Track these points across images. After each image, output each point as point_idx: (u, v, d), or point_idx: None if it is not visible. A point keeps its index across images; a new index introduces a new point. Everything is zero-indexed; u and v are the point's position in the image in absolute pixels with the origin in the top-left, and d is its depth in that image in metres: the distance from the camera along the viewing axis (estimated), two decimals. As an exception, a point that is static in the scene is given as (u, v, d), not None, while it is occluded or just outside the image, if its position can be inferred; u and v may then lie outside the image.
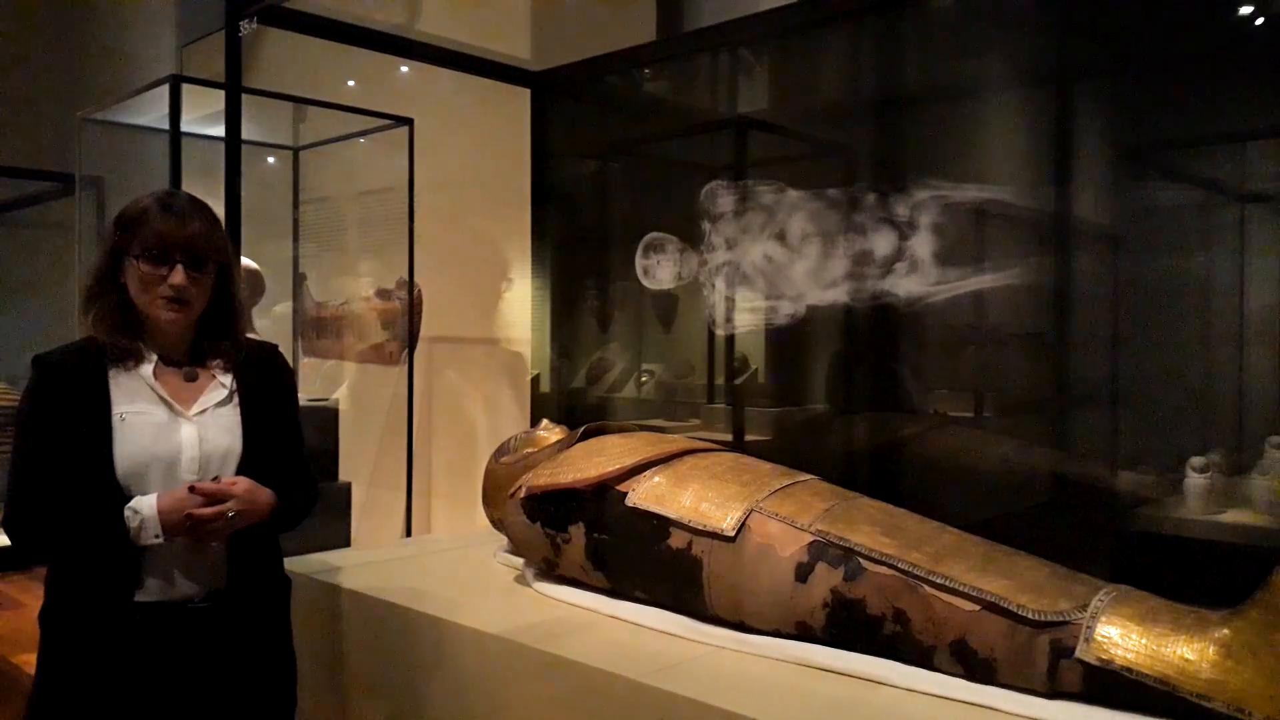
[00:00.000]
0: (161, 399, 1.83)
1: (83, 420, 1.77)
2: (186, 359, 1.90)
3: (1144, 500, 2.26)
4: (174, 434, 1.82)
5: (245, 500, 1.80)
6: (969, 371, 2.61)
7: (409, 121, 4.03)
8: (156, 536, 1.73)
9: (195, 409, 1.86)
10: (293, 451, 2.00)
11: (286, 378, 2.06)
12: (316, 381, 4.34)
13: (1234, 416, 2.29)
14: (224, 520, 1.77)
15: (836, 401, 2.83)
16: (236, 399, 1.91)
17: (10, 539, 1.79)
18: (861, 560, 1.86)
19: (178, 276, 1.79)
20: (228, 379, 1.92)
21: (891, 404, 2.66)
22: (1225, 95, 2.17)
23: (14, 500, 1.77)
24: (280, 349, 2.10)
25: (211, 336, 1.92)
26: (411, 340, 4.04)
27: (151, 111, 3.86)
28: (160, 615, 1.79)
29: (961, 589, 1.74)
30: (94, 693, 1.77)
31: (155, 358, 1.86)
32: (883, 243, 2.50)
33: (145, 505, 1.73)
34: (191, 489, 1.76)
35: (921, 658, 1.78)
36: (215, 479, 1.80)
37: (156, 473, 1.79)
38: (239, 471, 1.86)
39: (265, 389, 1.97)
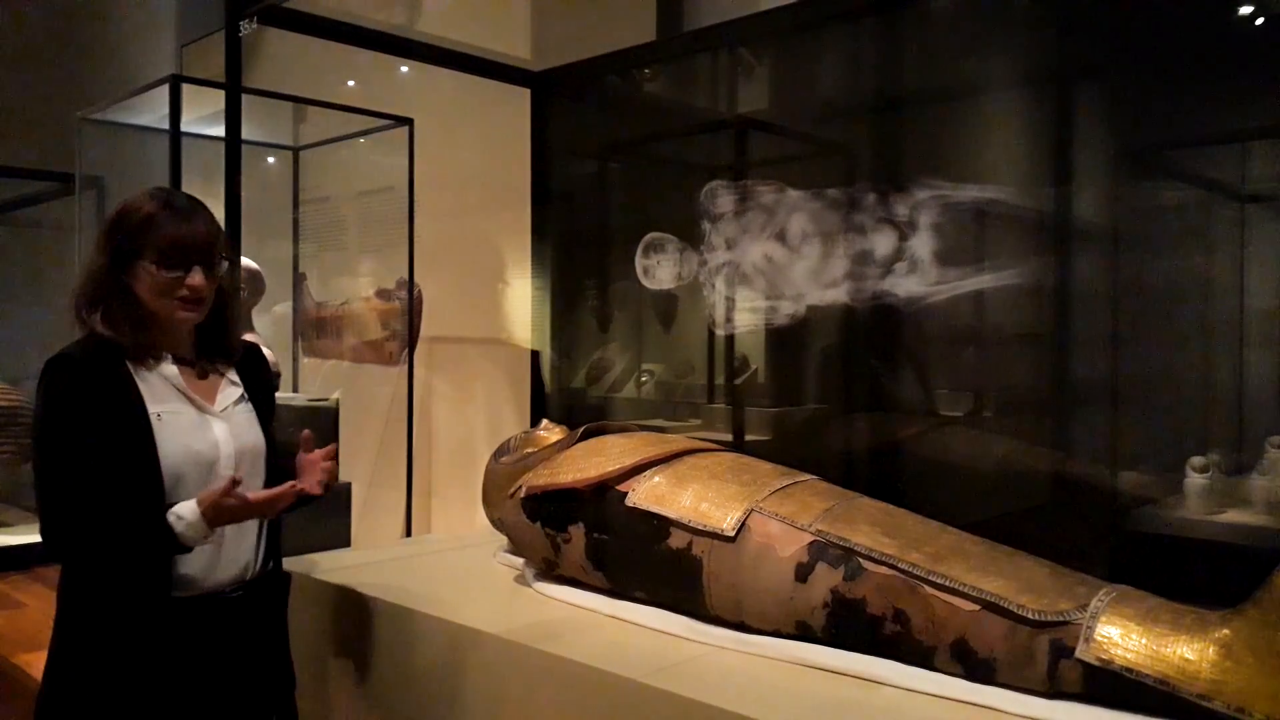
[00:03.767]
0: (188, 398, 1.84)
1: (117, 420, 1.74)
2: (195, 357, 1.91)
3: (1144, 500, 2.26)
4: (208, 432, 1.83)
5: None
6: (969, 371, 2.61)
7: (409, 121, 4.03)
8: (206, 538, 1.72)
9: (219, 406, 1.88)
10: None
11: (267, 375, 2.09)
12: (316, 381, 4.35)
13: (1234, 416, 2.29)
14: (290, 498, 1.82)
15: (836, 401, 2.83)
16: (247, 397, 1.95)
17: (49, 547, 1.73)
18: (861, 560, 1.86)
19: (196, 278, 1.79)
20: (235, 377, 1.95)
21: (891, 404, 2.66)
22: (1225, 95, 2.17)
23: (51, 509, 1.71)
24: (270, 348, 2.13)
25: (211, 333, 1.92)
26: (411, 340, 4.04)
27: (151, 111, 3.87)
28: (193, 608, 1.80)
29: (961, 589, 1.74)
30: (113, 686, 1.76)
31: (170, 356, 1.86)
32: (883, 243, 2.50)
33: (187, 510, 1.70)
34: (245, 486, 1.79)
35: (921, 658, 1.78)
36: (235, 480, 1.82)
37: (197, 471, 1.79)
38: (267, 465, 1.92)
39: (258, 387, 2.00)
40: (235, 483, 1.71)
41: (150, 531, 1.71)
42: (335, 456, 1.93)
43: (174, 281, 1.78)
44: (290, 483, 1.79)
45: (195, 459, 1.79)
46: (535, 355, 3.61)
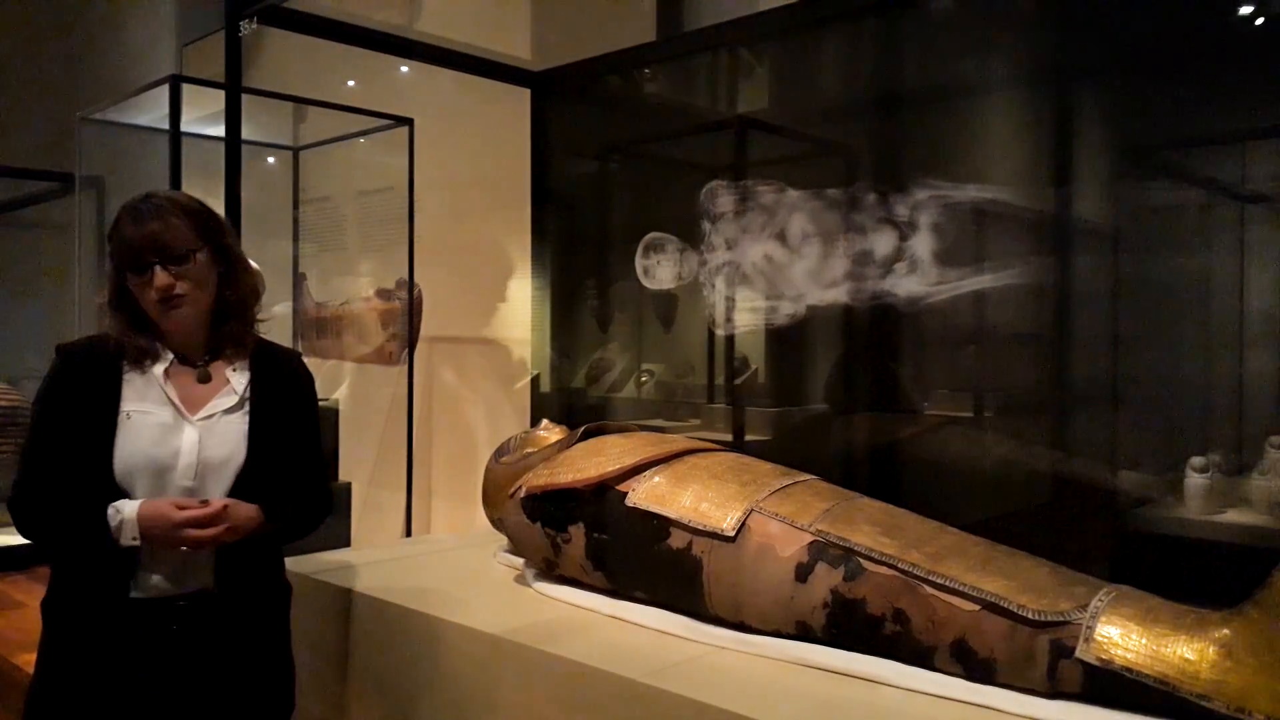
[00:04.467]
0: (169, 400, 1.83)
1: (92, 414, 1.78)
2: (204, 357, 1.90)
3: (1144, 500, 2.26)
4: (174, 437, 1.81)
5: (230, 520, 1.79)
6: (969, 371, 2.61)
7: (409, 121, 4.03)
8: (134, 539, 1.73)
9: (201, 414, 1.85)
10: (307, 463, 1.99)
11: (306, 387, 2.04)
12: (317, 381, 4.33)
13: (1234, 416, 2.28)
14: (214, 542, 1.78)
15: (836, 401, 2.83)
16: (248, 406, 1.89)
17: (12, 517, 1.82)
18: (861, 560, 1.86)
19: (159, 279, 1.79)
20: (242, 383, 1.91)
21: (891, 404, 2.66)
22: (1225, 95, 2.17)
23: (19, 484, 1.81)
24: (302, 358, 2.10)
25: (224, 328, 1.92)
26: (411, 340, 4.04)
27: (151, 111, 3.87)
28: (151, 612, 1.79)
29: (961, 589, 1.74)
30: (89, 685, 1.78)
31: (171, 357, 1.86)
32: (883, 243, 2.50)
33: (127, 508, 1.74)
34: (179, 511, 1.75)
35: (921, 658, 1.78)
36: (205, 502, 1.78)
37: (150, 475, 1.78)
38: (238, 481, 1.85)
39: (282, 397, 1.95)
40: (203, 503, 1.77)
41: (86, 514, 1.75)
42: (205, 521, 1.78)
43: (143, 285, 1.80)
44: (222, 523, 1.77)
45: (149, 463, 1.78)
46: (533, 370, 3.62)
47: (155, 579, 1.80)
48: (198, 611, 1.82)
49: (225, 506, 1.78)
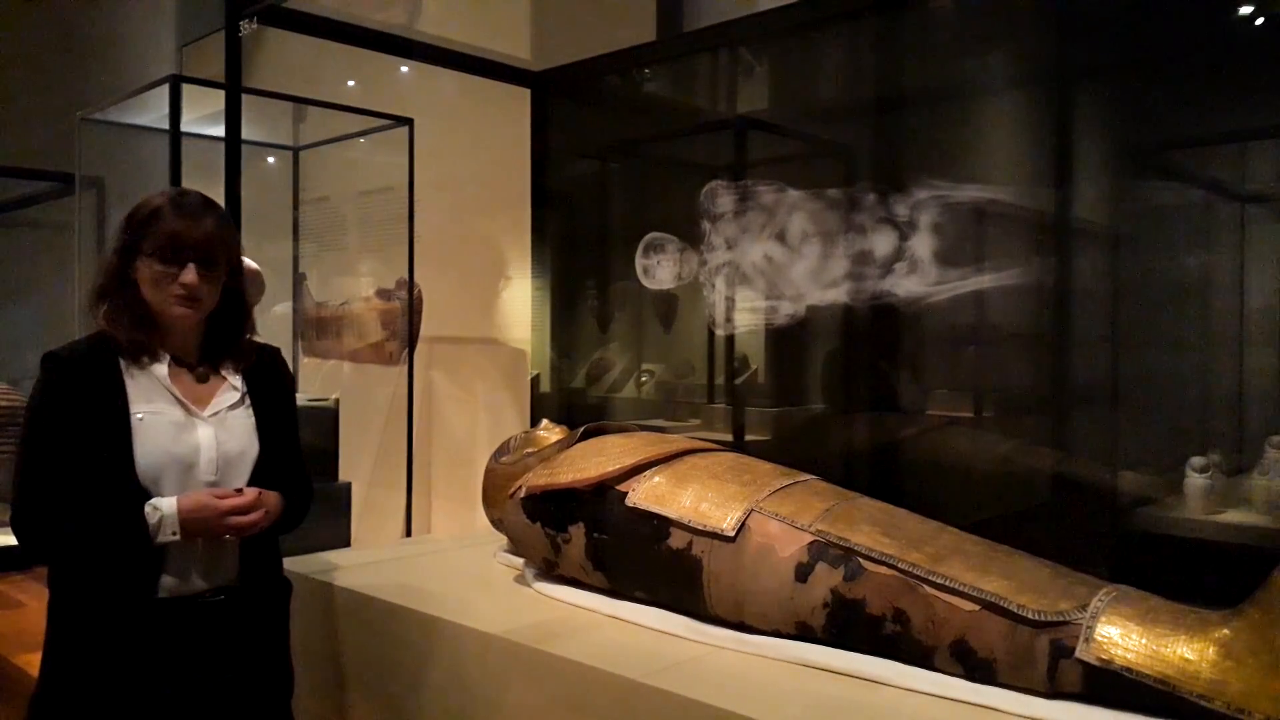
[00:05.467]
0: (177, 399, 1.84)
1: (100, 419, 1.77)
2: (198, 360, 1.91)
3: (1144, 500, 2.26)
4: (191, 435, 1.83)
5: (265, 505, 1.84)
6: (969, 371, 2.61)
7: (409, 121, 4.03)
8: (174, 534, 1.75)
9: (210, 410, 1.87)
10: (293, 454, 2.03)
11: (288, 381, 2.09)
12: (316, 381, 4.35)
13: (1234, 416, 2.28)
14: (255, 527, 1.81)
15: (836, 401, 2.83)
16: (248, 401, 1.93)
17: (17, 536, 1.78)
18: (861, 560, 1.86)
19: (189, 275, 1.80)
20: (239, 381, 1.94)
21: (891, 404, 2.66)
22: (1225, 95, 2.17)
23: (23, 498, 1.77)
24: (281, 352, 2.11)
25: (222, 336, 1.94)
26: (411, 340, 4.04)
27: (151, 111, 3.87)
28: (174, 610, 1.80)
29: (961, 589, 1.74)
30: (104, 685, 1.77)
31: (168, 357, 1.87)
32: (883, 243, 2.50)
33: (165, 504, 1.76)
34: (222, 500, 1.80)
35: (921, 658, 1.78)
36: (239, 490, 1.82)
37: (174, 473, 1.80)
38: (255, 472, 1.89)
39: (270, 392, 1.99)
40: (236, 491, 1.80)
41: (122, 516, 1.74)
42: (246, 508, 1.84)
43: (167, 276, 1.80)
44: (258, 509, 1.82)
45: (173, 461, 1.80)
46: (533, 370, 3.62)
47: (188, 575, 1.82)
48: (222, 607, 1.85)
49: (259, 493, 1.83)
